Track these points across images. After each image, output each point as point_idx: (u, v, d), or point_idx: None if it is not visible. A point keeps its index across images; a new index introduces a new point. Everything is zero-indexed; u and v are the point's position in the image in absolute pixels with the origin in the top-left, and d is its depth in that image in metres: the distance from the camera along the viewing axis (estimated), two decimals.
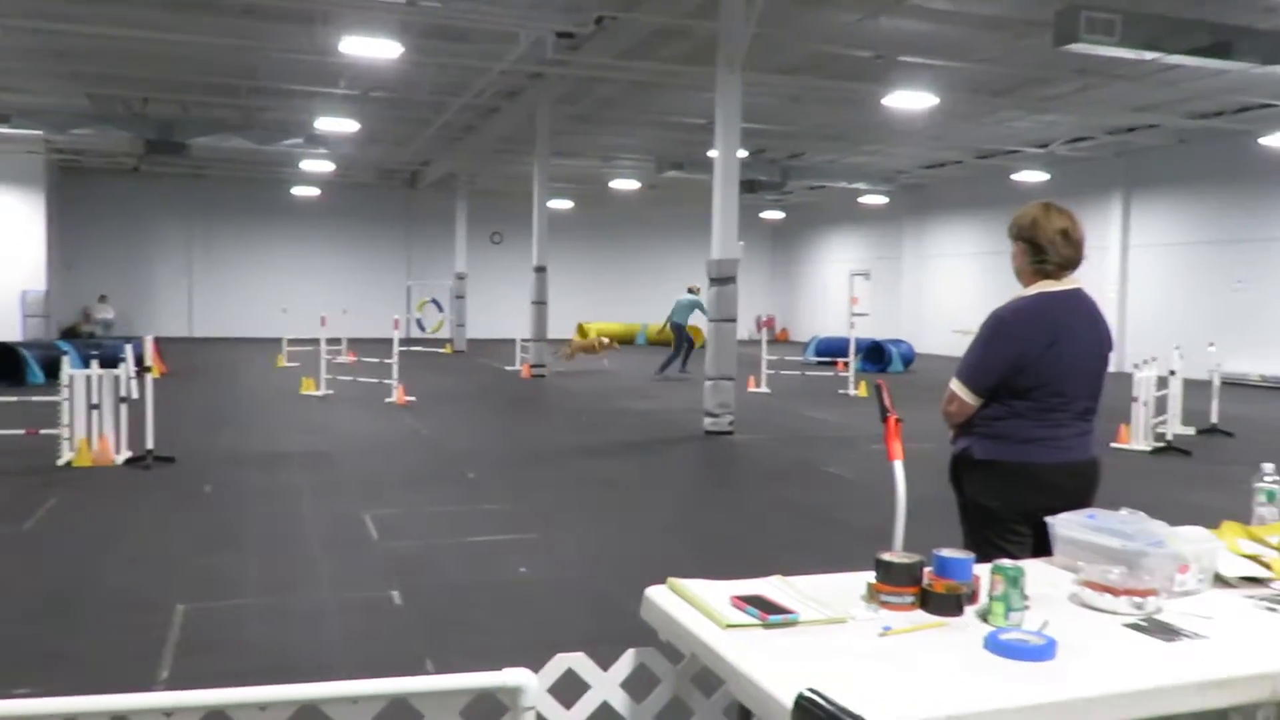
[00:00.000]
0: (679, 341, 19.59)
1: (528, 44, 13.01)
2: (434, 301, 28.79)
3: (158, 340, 13.73)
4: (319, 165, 24.81)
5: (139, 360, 9.58)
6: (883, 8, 11.98)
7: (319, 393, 14.81)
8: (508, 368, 20.73)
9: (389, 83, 16.71)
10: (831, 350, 21.71)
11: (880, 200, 28.95)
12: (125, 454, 8.95)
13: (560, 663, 2.18)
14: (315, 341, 15.89)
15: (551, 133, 18.99)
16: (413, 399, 14.25)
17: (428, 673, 4.20)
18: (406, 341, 23.01)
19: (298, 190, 29.38)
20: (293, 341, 20.10)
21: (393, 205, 31.21)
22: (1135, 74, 14.52)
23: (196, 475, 8.43)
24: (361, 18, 12.18)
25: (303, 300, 25.74)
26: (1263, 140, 17.99)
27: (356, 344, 21.57)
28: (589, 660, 2.22)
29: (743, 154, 13.42)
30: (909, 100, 15.46)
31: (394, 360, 14.51)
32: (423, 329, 28.12)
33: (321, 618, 4.92)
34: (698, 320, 17.26)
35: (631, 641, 2.32)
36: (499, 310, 29.42)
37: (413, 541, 6.48)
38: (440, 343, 26.83)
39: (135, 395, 9.21)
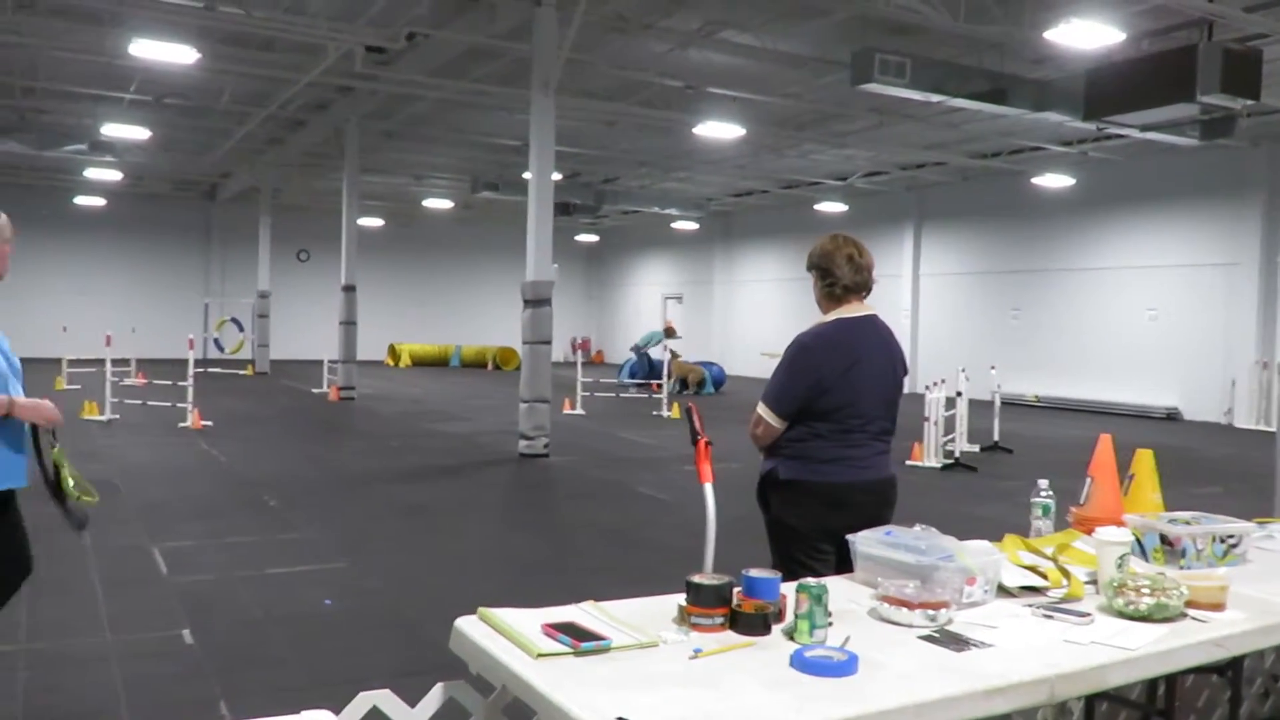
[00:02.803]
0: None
1: (336, 56, 12.64)
2: (234, 320, 27.33)
3: None
4: (106, 174, 23.19)
5: None
6: (691, 40, 12.34)
7: (103, 417, 13.78)
8: (314, 390, 19.95)
9: (185, 90, 15.85)
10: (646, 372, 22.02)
11: (691, 226, 29.73)
12: None
13: (364, 701, 2.09)
14: (100, 362, 14.80)
15: (361, 149, 18.51)
16: (209, 423, 13.48)
17: (221, 718, 3.96)
18: (203, 363, 21.78)
19: (81, 200, 27.35)
20: (74, 362, 18.66)
21: (190, 218, 29.55)
22: (924, 114, 15.54)
23: None
24: (154, 19, 11.50)
25: (86, 318, 23.93)
26: (1035, 180, 19.63)
27: (147, 365, 20.21)
28: (395, 697, 2.14)
29: (557, 177, 13.49)
30: (718, 130, 15.96)
31: (189, 382, 13.70)
32: (221, 349, 26.67)
33: (103, 662, 4.54)
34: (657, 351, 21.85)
35: (442, 675, 2.25)
36: (305, 330, 28.29)
37: (206, 576, 6.09)
38: (241, 364, 25.55)
39: None
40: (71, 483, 3.40)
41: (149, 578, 6.01)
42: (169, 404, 14.36)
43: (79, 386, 17.57)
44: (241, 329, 27.07)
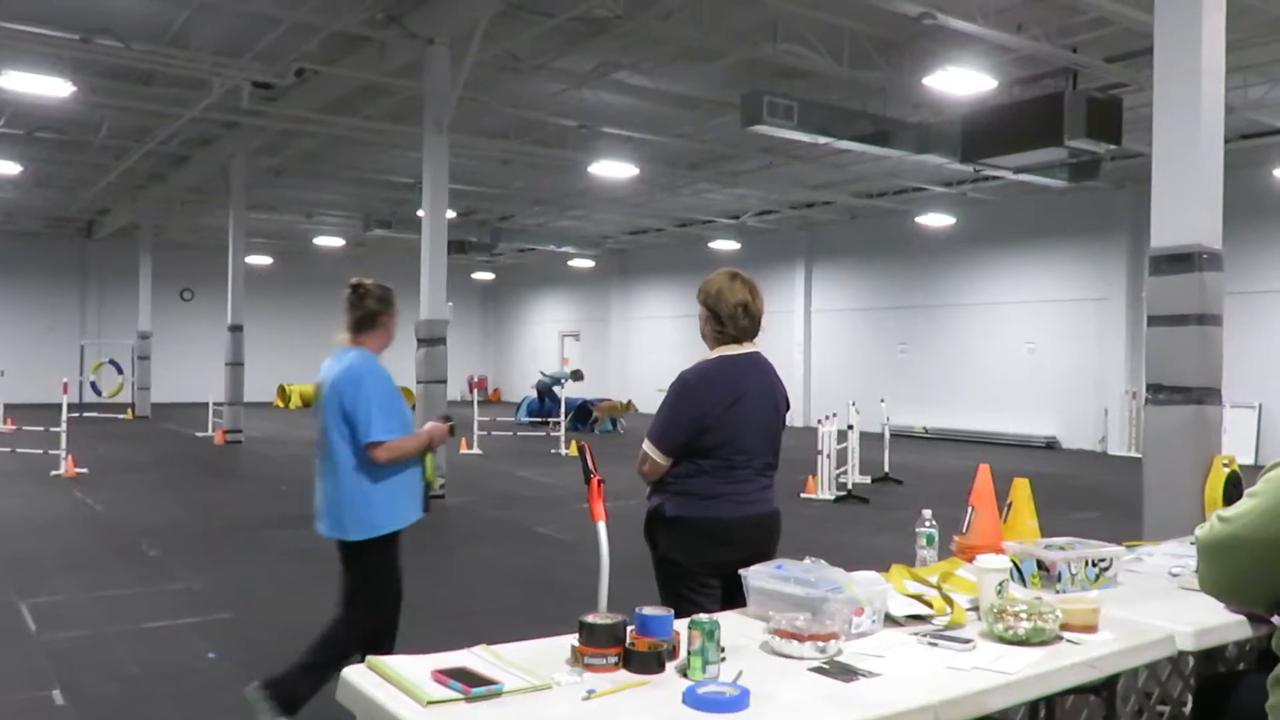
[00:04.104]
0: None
1: (221, 92, 12.35)
2: (112, 362, 26.16)
3: None
4: None
5: None
6: (585, 81, 12.47)
7: None
8: (199, 434, 19.24)
9: (60, 123, 15.26)
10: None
11: (588, 263, 29.84)
12: None
13: None
14: None
15: (248, 185, 18.08)
16: (84, 470, 12.86)
17: None
18: (79, 407, 20.81)
19: None
20: None
21: (65, 256, 28.33)
22: (812, 155, 15.98)
23: None
24: (26, 51, 11.06)
25: None
26: (918, 219, 20.35)
27: (17, 410, 19.23)
28: None
29: (452, 215, 13.39)
30: (612, 169, 16.12)
31: (62, 428, 13.06)
32: (98, 393, 25.49)
33: None
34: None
35: None
36: (189, 372, 27.26)
37: (79, 632, 5.79)
38: (120, 408, 24.47)
39: None
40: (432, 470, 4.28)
41: (15, 636, 5.68)
42: (41, 451, 13.66)
43: None
44: (121, 371, 25.96)
